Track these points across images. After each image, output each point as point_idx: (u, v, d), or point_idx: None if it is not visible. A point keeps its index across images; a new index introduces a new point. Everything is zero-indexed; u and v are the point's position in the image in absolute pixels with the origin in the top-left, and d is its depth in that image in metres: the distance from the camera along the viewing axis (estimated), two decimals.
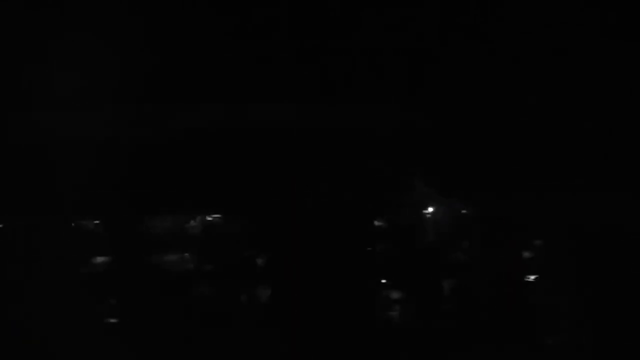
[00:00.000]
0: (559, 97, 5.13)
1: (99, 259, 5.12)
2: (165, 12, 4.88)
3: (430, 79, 5.11)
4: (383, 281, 5.21)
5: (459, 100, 5.09)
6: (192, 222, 5.27)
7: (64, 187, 4.77)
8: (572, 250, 5.17)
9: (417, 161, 5.15)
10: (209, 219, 5.29)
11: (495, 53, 5.09)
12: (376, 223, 5.27)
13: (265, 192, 5.07)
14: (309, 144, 5.08)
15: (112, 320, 5.01)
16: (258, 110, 5.01)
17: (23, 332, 4.71)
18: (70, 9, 4.72)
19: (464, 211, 5.31)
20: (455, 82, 5.09)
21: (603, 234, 5.16)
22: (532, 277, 5.26)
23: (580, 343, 5.00)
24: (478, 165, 5.08)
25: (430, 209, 5.26)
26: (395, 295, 5.18)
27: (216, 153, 5.01)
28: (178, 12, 4.90)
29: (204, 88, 5.01)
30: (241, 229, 5.25)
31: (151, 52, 4.87)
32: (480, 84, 5.11)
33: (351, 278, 5.11)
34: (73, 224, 5.12)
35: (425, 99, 5.11)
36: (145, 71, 4.84)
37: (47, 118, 4.86)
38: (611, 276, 5.12)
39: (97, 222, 5.15)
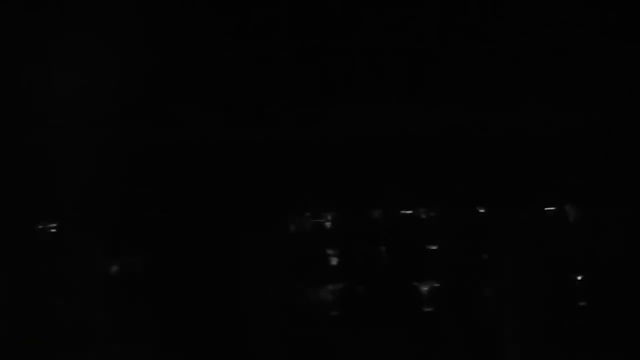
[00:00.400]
0: (559, 96, 5.13)
1: None
2: (165, 12, 4.87)
3: (430, 79, 5.10)
4: None
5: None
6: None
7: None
8: None
9: None
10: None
11: (495, 53, 5.09)
12: None
13: None
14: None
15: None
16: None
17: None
18: (70, 9, 4.72)
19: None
20: (455, 82, 5.09)
21: None
22: None
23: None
24: None
25: None
26: None
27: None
28: (178, 12, 4.90)
29: (206, 88, 5.02)
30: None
31: (151, 52, 4.87)
32: (480, 84, 5.11)
33: None
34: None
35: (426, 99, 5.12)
36: (145, 71, 4.84)
37: None
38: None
39: None
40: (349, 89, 5.07)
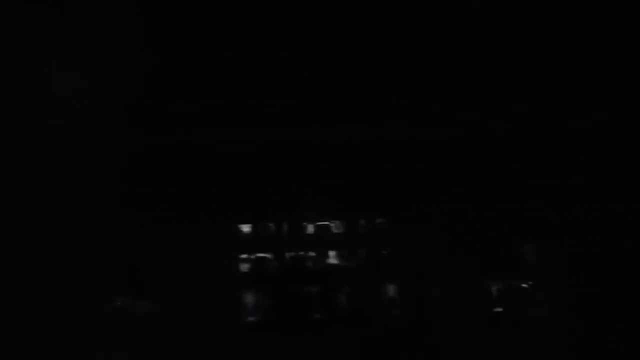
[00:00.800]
0: (558, 96, 5.13)
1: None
2: (165, 12, 4.87)
3: (430, 79, 5.10)
4: None
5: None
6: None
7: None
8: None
9: None
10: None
11: (495, 53, 5.09)
12: None
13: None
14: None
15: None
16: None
17: None
18: (70, 9, 4.72)
19: None
20: (455, 82, 5.09)
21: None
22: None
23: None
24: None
25: None
26: None
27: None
28: (178, 12, 4.90)
29: (206, 88, 5.02)
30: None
31: (151, 52, 4.87)
32: (480, 84, 5.11)
33: None
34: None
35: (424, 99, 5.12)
36: (145, 71, 4.84)
37: None
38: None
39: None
40: (349, 89, 5.07)
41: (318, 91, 5.07)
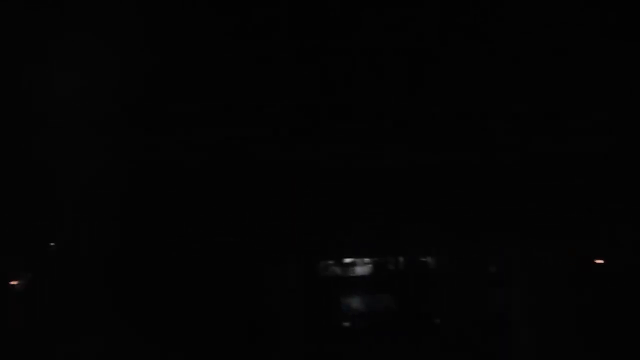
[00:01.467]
0: (558, 96, 5.13)
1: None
2: (165, 12, 4.87)
3: (430, 79, 5.10)
4: None
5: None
6: None
7: None
8: None
9: None
10: None
11: (495, 53, 5.09)
12: None
13: None
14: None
15: None
16: None
17: None
18: (70, 9, 4.72)
19: None
20: (455, 82, 5.09)
21: None
22: None
23: None
24: None
25: None
26: None
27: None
28: (178, 12, 4.90)
29: (206, 88, 5.02)
30: None
31: (151, 52, 4.87)
32: (480, 84, 5.11)
33: None
34: None
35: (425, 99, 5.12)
36: (145, 71, 4.84)
37: None
38: None
39: None
40: (349, 89, 5.07)
41: (318, 91, 5.07)
